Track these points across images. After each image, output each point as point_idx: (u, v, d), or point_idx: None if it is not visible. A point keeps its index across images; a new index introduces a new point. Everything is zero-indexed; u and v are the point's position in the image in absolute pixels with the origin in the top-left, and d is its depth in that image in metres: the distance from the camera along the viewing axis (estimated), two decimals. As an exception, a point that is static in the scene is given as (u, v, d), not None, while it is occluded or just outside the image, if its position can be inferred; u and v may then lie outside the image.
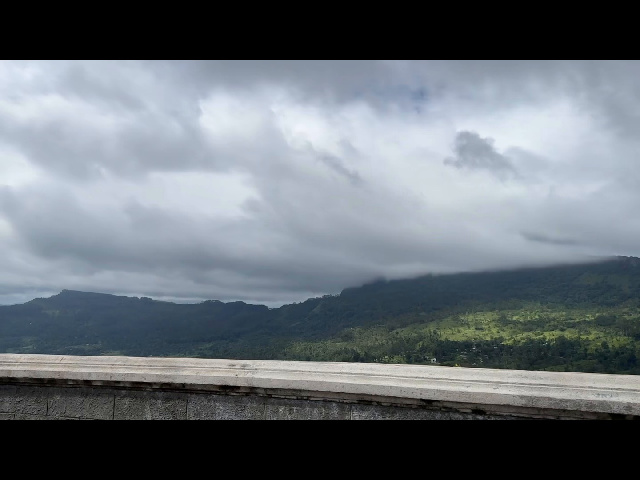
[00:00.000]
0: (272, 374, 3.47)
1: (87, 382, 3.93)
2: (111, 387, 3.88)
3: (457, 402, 3.04)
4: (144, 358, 3.94)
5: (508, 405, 2.96)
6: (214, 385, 3.60)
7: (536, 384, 2.97)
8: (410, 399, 3.12)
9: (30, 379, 4.03)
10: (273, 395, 3.48)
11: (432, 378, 3.14)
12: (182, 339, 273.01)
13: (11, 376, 4.06)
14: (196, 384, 3.65)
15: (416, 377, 3.17)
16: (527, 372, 3.09)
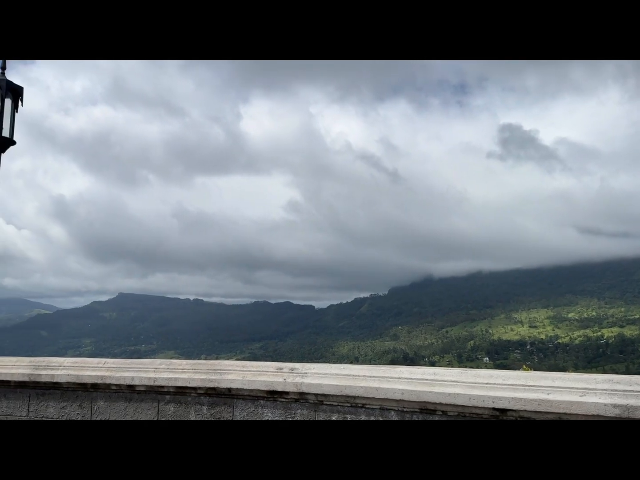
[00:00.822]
0: (323, 379, 3.17)
1: (130, 387, 3.76)
2: (155, 392, 3.70)
3: (536, 412, 2.64)
4: (188, 361, 3.73)
5: (598, 416, 2.54)
6: (261, 391, 3.34)
7: (632, 391, 2.53)
8: (480, 407, 2.75)
9: (74, 383, 3.90)
10: (325, 402, 3.18)
11: (505, 384, 2.75)
12: (233, 338, 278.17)
13: (55, 381, 3.94)
14: (242, 388, 3.40)
15: (487, 384, 2.78)
16: (620, 377, 2.65)
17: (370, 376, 3.06)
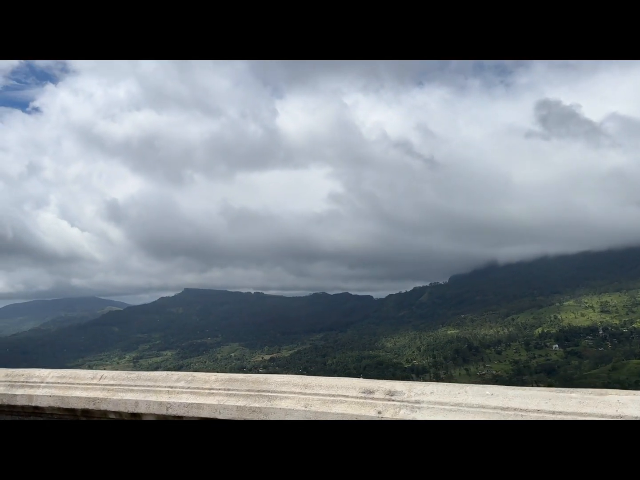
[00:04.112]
0: (457, 414, 1.70)
1: (135, 416, 2.44)
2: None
3: None
4: (220, 375, 2.37)
5: None
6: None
7: None
8: None
9: (59, 409, 2.64)
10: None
11: None
12: (294, 330, 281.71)
13: (34, 404, 2.69)
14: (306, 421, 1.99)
15: None
16: None
17: (562, 413, 1.54)
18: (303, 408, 2.00)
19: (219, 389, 2.25)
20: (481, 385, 1.78)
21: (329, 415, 1.93)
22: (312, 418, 1.97)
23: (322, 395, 2.01)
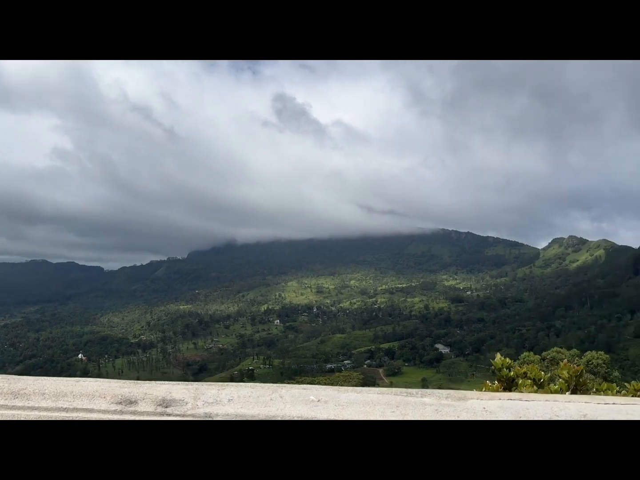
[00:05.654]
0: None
1: None
2: None
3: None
4: None
5: None
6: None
7: None
8: None
9: None
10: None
11: None
12: (1, 300, 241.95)
13: None
14: None
15: None
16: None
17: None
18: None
19: None
20: (302, 386, 1.28)
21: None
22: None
23: (46, 409, 1.22)
